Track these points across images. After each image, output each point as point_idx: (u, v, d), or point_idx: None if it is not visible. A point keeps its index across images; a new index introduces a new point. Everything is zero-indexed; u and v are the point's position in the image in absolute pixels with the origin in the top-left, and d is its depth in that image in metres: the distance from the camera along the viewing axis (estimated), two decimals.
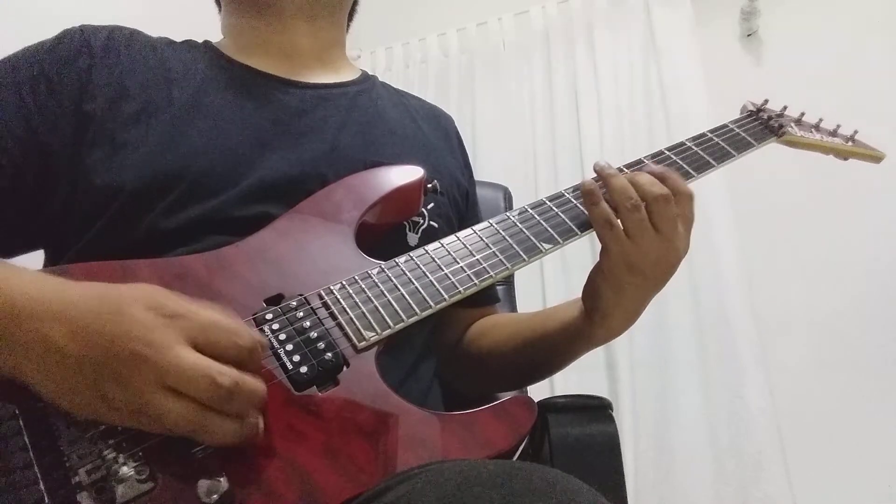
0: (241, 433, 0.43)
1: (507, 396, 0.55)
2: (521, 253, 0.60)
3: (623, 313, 0.63)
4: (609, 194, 0.60)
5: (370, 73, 0.85)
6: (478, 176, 0.90)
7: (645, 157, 0.68)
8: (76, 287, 0.45)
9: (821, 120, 0.86)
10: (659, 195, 0.59)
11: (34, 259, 0.64)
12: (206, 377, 0.41)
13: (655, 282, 0.61)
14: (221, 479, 0.43)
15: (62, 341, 0.42)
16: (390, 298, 0.55)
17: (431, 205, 0.72)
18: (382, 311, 0.54)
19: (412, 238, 0.69)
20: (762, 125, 0.79)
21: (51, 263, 0.64)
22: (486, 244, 0.60)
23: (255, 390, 0.43)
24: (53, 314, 0.43)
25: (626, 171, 0.64)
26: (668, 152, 0.69)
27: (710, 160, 0.70)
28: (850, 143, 0.86)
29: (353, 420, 0.49)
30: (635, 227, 0.58)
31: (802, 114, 0.84)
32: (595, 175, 0.63)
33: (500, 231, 0.61)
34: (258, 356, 0.45)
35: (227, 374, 0.41)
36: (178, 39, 0.74)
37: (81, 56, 0.63)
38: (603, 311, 0.63)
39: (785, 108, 0.82)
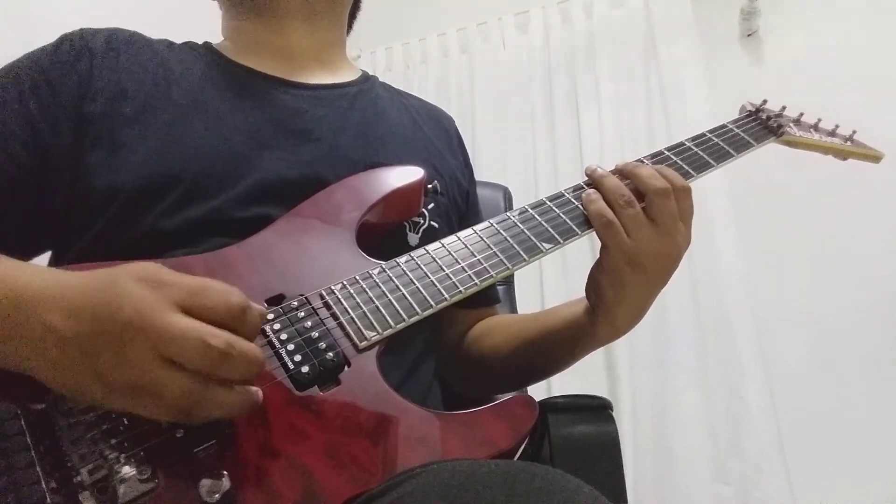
0: (243, 403, 0.43)
1: (507, 396, 0.55)
2: (522, 253, 0.60)
3: (627, 310, 0.63)
4: (603, 194, 0.61)
5: (370, 73, 0.85)
6: (478, 176, 0.90)
7: (644, 157, 0.68)
8: (70, 274, 0.45)
9: (819, 120, 0.86)
10: (659, 188, 0.59)
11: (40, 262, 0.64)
12: (198, 339, 0.40)
13: (657, 277, 0.62)
14: (223, 479, 0.43)
15: (58, 323, 0.41)
16: (391, 298, 0.55)
17: (432, 205, 0.72)
18: (383, 311, 0.54)
19: (413, 238, 0.69)
20: (761, 125, 0.79)
21: (55, 264, 0.64)
22: (487, 244, 0.60)
23: (249, 352, 0.42)
24: (52, 299, 0.43)
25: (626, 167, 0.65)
26: (667, 152, 0.69)
27: (710, 160, 0.70)
28: (848, 143, 0.86)
29: (355, 420, 0.49)
30: (632, 223, 0.59)
31: (801, 114, 0.84)
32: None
33: (501, 231, 0.61)
34: (253, 319, 0.44)
35: (219, 335, 0.41)
36: (178, 41, 0.74)
37: (82, 59, 0.64)
38: (607, 308, 0.63)
39: (784, 108, 0.82)
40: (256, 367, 0.43)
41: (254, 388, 0.45)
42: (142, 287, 0.42)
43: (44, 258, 0.65)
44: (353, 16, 0.86)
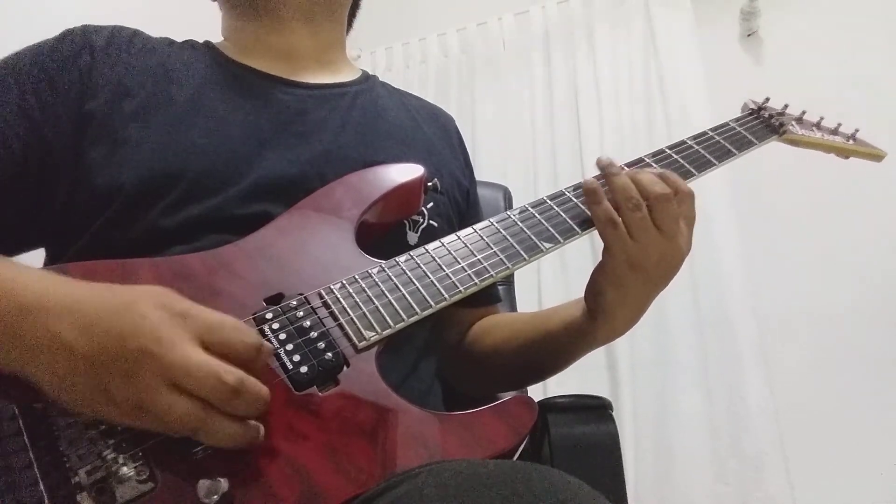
0: (243, 436, 0.43)
1: (507, 396, 0.54)
2: (522, 252, 0.59)
3: (626, 312, 0.63)
4: (611, 193, 0.60)
5: (370, 73, 0.85)
6: (478, 176, 0.90)
7: (646, 156, 0.68)
8: (83, 285, 0.45)
9: (822, 118, 0.86)
10: (661, 194, 0.59)
11: (34, 258, 0.64)
12: (213, 375, 0.41)
13: (658, 280, 0.61)
14: (221, 480, 0.42)
15: (70, 337, 0.42)
16: (391, 298, 0.55)
17: (431, 204, 0.72)
18: (383, 311, 0.54)
19: (412, 237, 0.69)
20: (763, 123, 0.78)
21: (51, 262, 0.64)
22: (487, 243, 0.60)
23: (259, 392, 0.43)
24: (62, 311, 0.43)
25: (627, 169, 0.64)
26: (669, 151, 0.69)
27: (712, 159, 0.70)
28: (851, 142, 0.86)
29: (354, 420, 0.49)
30: (637, 226, 0.58)
31: (804, 112, 0.84)
32: (597, 172, 0.63)
33: (501, 230, 0.61)
34: (265, 357, 0.45)
35: (233, 373, 0.42)
36: (179, 40, 0.74)
37: (83, 55, 0.63)
38: (606, 310, 0.63)
39: (786, 106, 0.82)
40: (263, 406, 0.44)
41: (254, 424, 0.44)
42: (161, 314, 0.42)
43: (34, 255, 0.64)
44: (352, 15, 0.86)
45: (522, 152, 2.03)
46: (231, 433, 0.43)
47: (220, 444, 0.43)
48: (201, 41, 0.75)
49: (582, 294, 0.66)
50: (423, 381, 0.67)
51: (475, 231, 0.61)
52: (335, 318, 0.54)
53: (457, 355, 0.81)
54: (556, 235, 0.61)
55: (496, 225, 0.62)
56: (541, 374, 0.76)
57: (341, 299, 0.55)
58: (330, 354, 0.51)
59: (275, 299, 0.54)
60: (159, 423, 0.42)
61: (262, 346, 0.45)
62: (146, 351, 0.41)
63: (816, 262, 1.77)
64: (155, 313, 0.42)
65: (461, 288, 0.57)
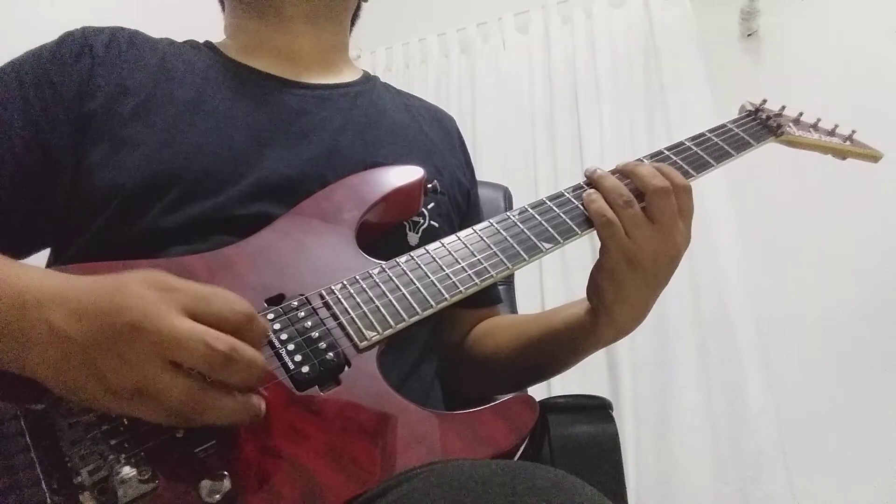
0: (243, 411, 0.43)
1: (508, 396, 0.55)
2: (522, 252, 0.60)
3: (628, 310, 0.63)
4: (602, 195, 0.61)
5: (371, 73, 0.85)
6: (478, 176, 0.90)
7: (644, 157, 0.68)
8: (78, 277, 0.45)
9: (819, 120, 0.86)
10: (660, 187, 0.59)
11: (39, 260, 0.64)
12: (202, 342, 0.40)
13: (657, 276, 0.61)
14: (223, 479, 0.43)
15: (63, 324, 0.42)
16: (391, 298, 0.55)
17: (432, 205, 0.72)
18: (384, 311, 0.54)
19: (412, 238, 0.69)
20: (760, 125, 0.79)
21: (54, 262, 0.64)
22: (487, 244, 0.60)
23: (252, 357, 0.42)
24: (56, 300, 0.43)
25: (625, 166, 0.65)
26: (667, 152, 0.69)
27: (710, 160, 0.70)
28: (848, 143, 0.86)
29: (355, 420, 0.49)
30: (630, 222, 0.59)
31: (801, 113, 0.84)
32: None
33: (501, 231, 0.61)
34: (258, 328, 0.44)
35: (222, 338, 0.41)
36: (180, 40, 0.74)
37: (83, 57, 0.64)
38: (607, 308, 0.63)
39: (783, 107, 0.82)
40: (258, 371, 0.43)
41: (255, 398, 0.44)
42: (149, 290, 0.42)
43: (39, 257, 0.65)
44: (354, 17, 0.86)
45: (522, 152, 2.03)
46: (231, 408, 0.43)
47: (221, 422, 0.43)
48: (202, 41, 0.76)
49: (584, 294, 0.67)
50: (424, 381, 0.67)
51: (475, 231, 0.62)
52: (336, 318, 0.54)
53: (458, 357, 0.81)
54: (556, 236, 0.61)
55: (496, 226, 0.62)
56: (543, 375, 0.76)
57: (342, 299, 0.55)
58: (331, 354, 0.51)
59: (276, 300, 0.55)
60: (157, 407, 0.41)
61: (253, 315, 0.44)
62: (135, 326, 0.40)
63: (816, 262, 1.77)
64: (142, 290, 0.42)
65: (461, 288, 0.57)
